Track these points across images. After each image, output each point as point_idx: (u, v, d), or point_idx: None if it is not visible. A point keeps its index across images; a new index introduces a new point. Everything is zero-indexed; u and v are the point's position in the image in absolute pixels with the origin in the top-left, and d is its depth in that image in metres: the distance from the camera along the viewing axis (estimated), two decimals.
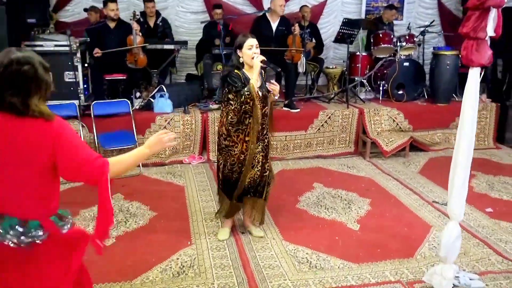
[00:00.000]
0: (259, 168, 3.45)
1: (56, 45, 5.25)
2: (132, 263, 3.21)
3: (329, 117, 5.83)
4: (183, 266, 3.18)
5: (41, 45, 5.20)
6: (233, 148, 3.38)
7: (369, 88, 6.84)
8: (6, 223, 1.73)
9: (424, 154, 5.88)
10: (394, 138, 5.72)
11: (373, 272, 3.14)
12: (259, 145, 3.41)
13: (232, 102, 3.32)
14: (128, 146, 5.12)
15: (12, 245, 1.73)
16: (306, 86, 6.96)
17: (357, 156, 5.84)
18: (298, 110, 5.87)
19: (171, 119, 5.45)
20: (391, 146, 5.63)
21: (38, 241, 1.76)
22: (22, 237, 1.74)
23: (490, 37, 2.59)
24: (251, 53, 3.29)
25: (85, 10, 6.75)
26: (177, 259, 3.28)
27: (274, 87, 3.40)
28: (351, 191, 4.58)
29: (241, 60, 3.35)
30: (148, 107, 5.69)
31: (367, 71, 6.76)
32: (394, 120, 5.99)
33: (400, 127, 5.99)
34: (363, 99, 6.41)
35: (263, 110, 3.37)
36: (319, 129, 5.81)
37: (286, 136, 5.70)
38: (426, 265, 3.21)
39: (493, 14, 2.53)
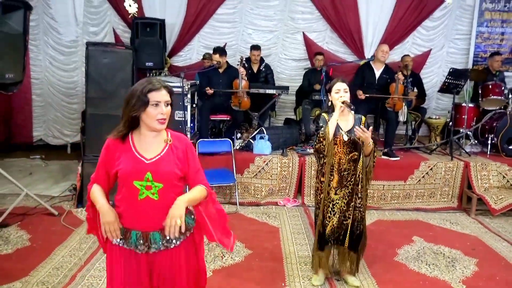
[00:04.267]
0: (339, 215, 3.38)
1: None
2: None
3: (431, 169, 5.59)
4: None
5: None
6: (319, 191, 3.46)
7: (475, 141, 6.48)
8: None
9: None
10: (504, 195, 5.30)
11: None
12: (340, 191, 3.35)
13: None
14: (227, 184, 5.35)
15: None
16: (406, 135, 6.78)
17: (460, 212, 5.47)
18: (398, 158, 5.72)
19: (269, 161, 5.58)
20: (501, 204, 5.20)
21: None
22: None
23: None
24: (337, 97, 3.29)
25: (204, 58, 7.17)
26: None
27: (359, 132, 3.16)
28: (455, 249, 4.29)
29: (330, 104, 3.39)
30: (247, 148, 5.92)
31: (473, 123, 6.43)
32: (504, 177, 5.57)
33: (511, 184, 5.55)
34: (468, 152, 6.08)
35: (350, 155, 3.31)
36: (419, 180, 5.59)
37: (384, 185, 5.55)
38: None
39: None
